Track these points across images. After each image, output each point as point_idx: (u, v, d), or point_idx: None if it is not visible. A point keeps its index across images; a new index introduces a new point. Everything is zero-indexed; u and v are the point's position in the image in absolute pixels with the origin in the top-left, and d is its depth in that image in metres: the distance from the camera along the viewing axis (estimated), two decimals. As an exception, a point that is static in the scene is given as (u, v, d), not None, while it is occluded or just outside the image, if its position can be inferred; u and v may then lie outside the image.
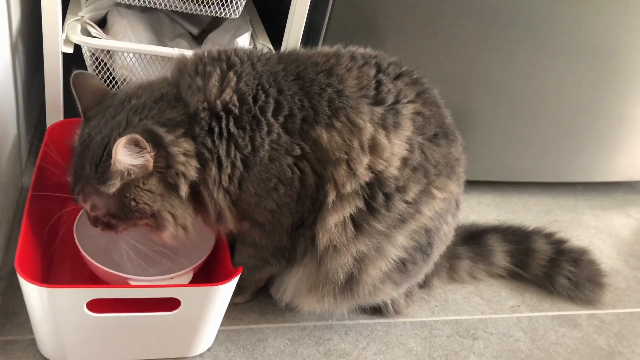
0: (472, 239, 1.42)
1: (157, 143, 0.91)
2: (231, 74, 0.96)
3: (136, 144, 0.88)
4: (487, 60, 1.49)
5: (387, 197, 1.02)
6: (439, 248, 1.17)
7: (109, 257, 1.13)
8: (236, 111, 0.95)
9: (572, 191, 1.95)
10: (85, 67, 1.24)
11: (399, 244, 1.07)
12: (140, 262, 1.09)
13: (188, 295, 0.96)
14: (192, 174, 0.95)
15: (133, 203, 0.94)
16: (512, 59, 1.50)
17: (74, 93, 0.98)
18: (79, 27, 1.21)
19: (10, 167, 1.20)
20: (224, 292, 1.00)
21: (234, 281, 0.99)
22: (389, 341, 1.22)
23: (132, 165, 0.90)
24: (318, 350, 1.16)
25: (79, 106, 0.99)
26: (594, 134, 1.75)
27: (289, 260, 1.13)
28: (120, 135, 0.90)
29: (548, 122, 1.68)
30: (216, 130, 0.94)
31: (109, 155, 0.89)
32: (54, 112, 1.23)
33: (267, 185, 0.99)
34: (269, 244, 1.09)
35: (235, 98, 0.95)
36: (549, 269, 1.43)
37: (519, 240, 1.44)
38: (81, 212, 1.13)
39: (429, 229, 1.09)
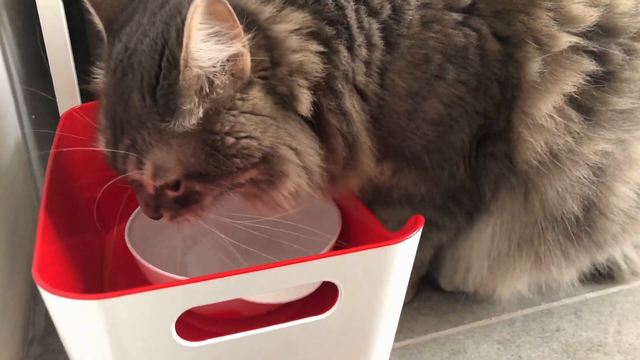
0: None
1: (249, 25, 0.53)
2: None
3: (220, 15, 0.49)
4: None
5: (627, 51, 0.60)
6: None
7: (180, 265, 0.73)
8: None
9: None
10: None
11: None
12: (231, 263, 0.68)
13: (354, 270, 0.53)
14: (315, 67, 0.55)
15: (229, 141, 0.54)
16: None
17: (88, 4, 0.60)
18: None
19: (19, 185, 0.82)
20: (405, 255, 0.56)
21: (417, 235, 0.56)
22: (647, 314, 0.76)
23: (217, 66, 0.51)
24: (552, 348, 0.71)
25: (97, 21, 0.60)
26: None
27: (469, 212, 0.69)
28: (182, 22, 0.50)
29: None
30: None
31: (172, 62, 0.51)
32: (66, 93, 0.85)
33: (426, 71, 0.58)
34: (432, 190, 0.67)
35: None
36: None
37: None
38: (135, 211, 0.73)
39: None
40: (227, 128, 0.54)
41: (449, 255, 0.75)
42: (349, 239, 0.71)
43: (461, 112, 0.61)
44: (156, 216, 0.61)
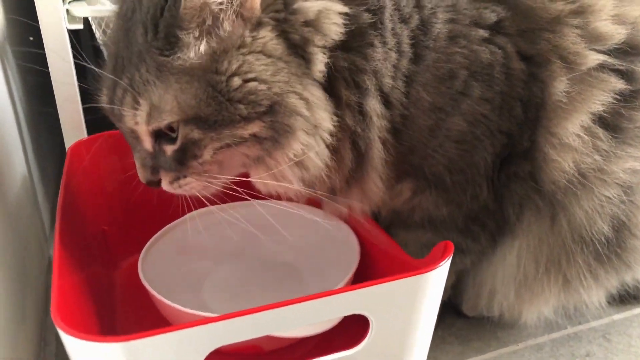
0: None
1: None
2: None
3: None
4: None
5: None
6: None
7: (195, 297, 0.70)
8: None
9: None
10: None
11: None
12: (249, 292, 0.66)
13: (386, 302, 0.50)
14: (334, 28, 0.54)
15: (235, 82, 0.51)
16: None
17: None
18: (83, 5, 0.84)
19: (27, 232, 0.80)
20: (436, 283, 0.54)
21: (447, 263, 0.54)
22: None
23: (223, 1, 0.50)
24: (584, 375, 0.68)
25: None
26: None
27: (493, 235, 0.68)
28: None
29: None
30: None
31: None
32: (72, 126, 0.84)
33: (451, 87, 0.57)
34: (455, 212, 0.65)
35: None
36: None
37: None
38: (147, 244, 0.71)
39: None
40: (234, 67, 0.51)
41: (471, 279, 0.73)
42: (369, 267, 0.69)
43: (484, 131, 0.60)
44: (153, 178, 0.57)
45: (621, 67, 0.58)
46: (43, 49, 0.79)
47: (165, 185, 0.57)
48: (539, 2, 0.58)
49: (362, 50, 0.55)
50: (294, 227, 0.77)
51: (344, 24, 0.54)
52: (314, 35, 0.53)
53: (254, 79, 0.51)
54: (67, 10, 0.81)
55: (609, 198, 0.61)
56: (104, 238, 0.80)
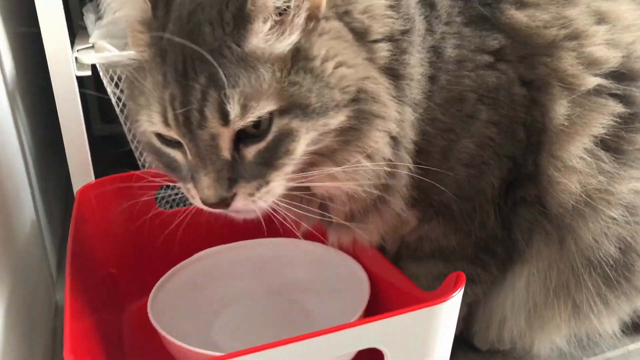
0: None
1: None
2: None
3: None
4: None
5: None
6: None
7: (205, 337, 0.70)
8: None
9: None
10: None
11: None
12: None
13: (400, 334, 0.50)
14: (379, 23, 0.56)
15: (328, 67, 0.52)
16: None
17: None
18: (90, 53, 0.87)
19: (35, 277, 0.80)
20: (449, 315, 0.54)
21: (460, 293, 0.54)
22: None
23: None
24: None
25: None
26: None
27: (503, 263, 0.68)
28: None
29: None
30: None
31: None
32: (80, 170, 0.84)
33: (461, 109, 0.59)
34: (464, 241, 0.66)
35: None
36: None
37: None
38: (155, 287, 0.70)
39: None
40: (323, 52, 0.52)
41: (482, 309, 0.73)
42: (378, 302, 0.69)
43: (491, 154, 0.61)
44: (228, 195, 0.52)
45: (618, 91, 0.60)
46: (52, 94, 0.81)
47: (240, 201, 0.53)
48: (535, 28, 0.60)
49: (400, 56, 0.56)
50: (303, 264, 0.77)
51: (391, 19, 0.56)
52: (373, 23, 0.55)
53: (342, 64, 0.52)
54: (76, 57, 0.83)
55: (615, 219, 0.61)
56: (112, 281, 0.80)
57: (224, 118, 0.49)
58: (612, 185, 0.60)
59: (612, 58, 0.60)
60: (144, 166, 0.97)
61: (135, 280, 0.79)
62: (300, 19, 0.51)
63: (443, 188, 0.60)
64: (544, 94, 0.60)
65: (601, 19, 0.61)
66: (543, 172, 0.62)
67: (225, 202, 0.52)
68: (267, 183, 0.53)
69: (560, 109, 0.59)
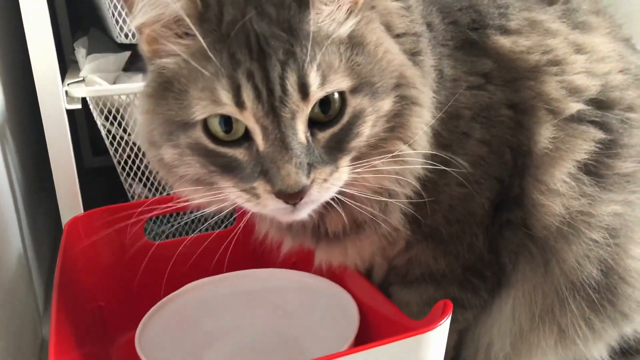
0: None
1: None
2: None
3: None
4: None
5: (622, 121, 0.63)
6: None
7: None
8: None
9: None
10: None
11: None
12: None
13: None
14: (398, 20, 0.59)
15: (381, 51, 0.54)
16: None
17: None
18: (81, 86, 0.88)
19: (22, 311, 0.79)
20: (436, 343, 0.54)
21: (447, 321, 0.54)
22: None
23: None
24: None
25: None
26: None
27: (492, 287, 0.68)
28: None
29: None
30: None
31: None
32: (69, 202, 0.84)
33: (457, 126, 0.60)
34: (453, 264, 0.66)
35: None
36: None
37: None
38: (143, 320, 0.70)
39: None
40: (374, 38, 0.54)
41: (470, 335, 0.72)
42: (367, 330, 0.68)
43: (483, 174, 0.62)
44: (308, 182, 0.50)
45: (597, 118, 0.61)
46: (42, 128, 0.81)
47: (315, 189, 0.51)
48: (518, 53, 0.62)
49: (420, 53, 0.59)
50: (292, 294, 0.77)
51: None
52: (394, 19, 0.58)
53: (388, 50, 0.55)
54: (66, 91, 0.84)
55: (596, 241, 0.62)
56: (100, 314, 0.79)
57: (304, 91, 0.50)
58: (593, 208, 0.62)
59: (591, 86, 0.62)
60: (133, 197, 0.98)
61: (123, 312, 0.78)
62: (345, 7, 0.53)
63: (436, 207, 0.61)
64: (530, 117, 0.61)
65: (579, 49, 0.63)
66: (528, 195, 0.63)
67: (302, 192, 0.50)
68: (337, 168, 0.53)
69: (546, 132, 0.61)
